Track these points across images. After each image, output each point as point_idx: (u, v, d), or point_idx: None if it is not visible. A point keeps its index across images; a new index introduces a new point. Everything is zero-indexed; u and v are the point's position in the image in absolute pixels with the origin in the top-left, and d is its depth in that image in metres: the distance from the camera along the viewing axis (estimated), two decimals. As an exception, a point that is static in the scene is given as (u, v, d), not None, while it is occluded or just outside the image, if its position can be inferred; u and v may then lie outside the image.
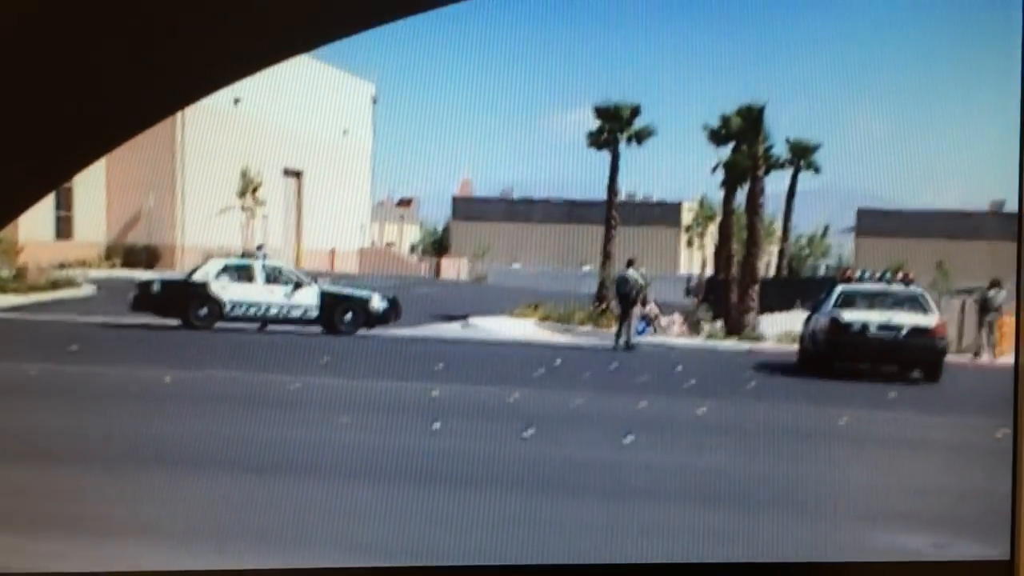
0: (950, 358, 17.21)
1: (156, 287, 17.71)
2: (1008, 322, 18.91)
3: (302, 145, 21.15)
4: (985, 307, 18.64)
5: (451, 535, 9.32)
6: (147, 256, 20.07)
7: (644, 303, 19.31)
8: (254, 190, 19.72)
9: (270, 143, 20.27)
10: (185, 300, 17.55)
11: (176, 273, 19.07)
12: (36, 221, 19.27)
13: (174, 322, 17.38)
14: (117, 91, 5.61)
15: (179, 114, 19.66)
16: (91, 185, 19.90)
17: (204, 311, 17.52)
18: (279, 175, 21.32)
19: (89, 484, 10.00)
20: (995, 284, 18.63)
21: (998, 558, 7.59)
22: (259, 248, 19.07)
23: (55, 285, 18.61)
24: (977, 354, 18.61)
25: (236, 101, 19.81)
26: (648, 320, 19.45)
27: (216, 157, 19.80)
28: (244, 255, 18.55)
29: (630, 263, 19.00)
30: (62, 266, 19.11)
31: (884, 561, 8.39)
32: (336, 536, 9.17)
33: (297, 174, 21.98)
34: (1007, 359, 18.66)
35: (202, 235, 19.82)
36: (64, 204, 19.90)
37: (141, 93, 5.65)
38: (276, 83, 19.02)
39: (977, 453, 12.64)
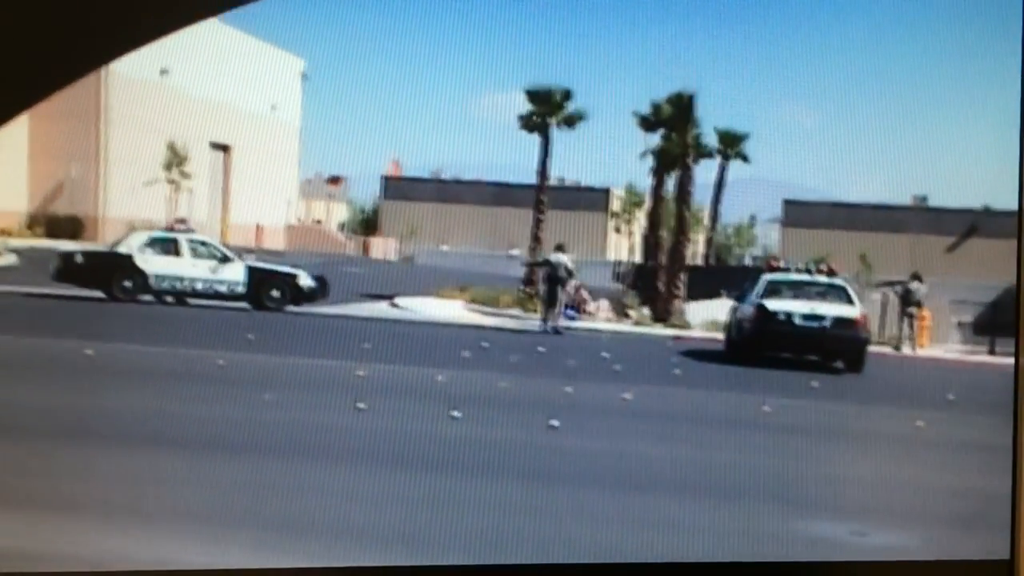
0: (872, 349, 17.45)
1: (79, 258, 17.43)
2: (928, 316, 19.25)
3: (230, 119, 20.88)
4: (907, 300, 18.94)
5: (373, 514, 9.26)
6: (70, 226, 19.71)
7: (576, 289, 19.37)
8: (180, 163, 19.43)
9: (198, 116, 19.97)
10: (109, 272, 17.28)
11: (99, 244, 18.77)
12: (-45, 188, 18.92)
13: (97, 294, 17.12)
14: (34, 46, 5.46)
15: (103, 84, 19.32)
16: (13, 153, 19.50)
17: (128, 283, 17.27)
18: (206, 149, 21.03)
19: (4, 456, 9.79)
20: (916, 277, 18.93)
21: (997, 557, 7.68)
22: (180, 222, 18.84)
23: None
24: (898, 347, 18.89)
25: (163, 72, 19.50)
26: (576, 306, 19.49)
27: (142, 128, 19.48)
28: (169, 229, 18.29)
29: (559, 247, 19.01)
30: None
31: (884, 561, 8.47)
32: (256, 514, 9.06)
33: (224, 148, 21.71)
34: (927, 351, 19.01)
35: (126, 207, 19.50)
36: (-16, 172, 19.52)
37: (58, 48, 5.50)
38: (204, 55, 18.75)
39: (897, 442, 12.84)
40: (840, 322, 17.05)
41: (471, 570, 7.54)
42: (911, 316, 18.98)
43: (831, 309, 17.16)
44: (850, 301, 17.42)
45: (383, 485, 9.94)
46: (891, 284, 19.23)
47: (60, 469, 9.70)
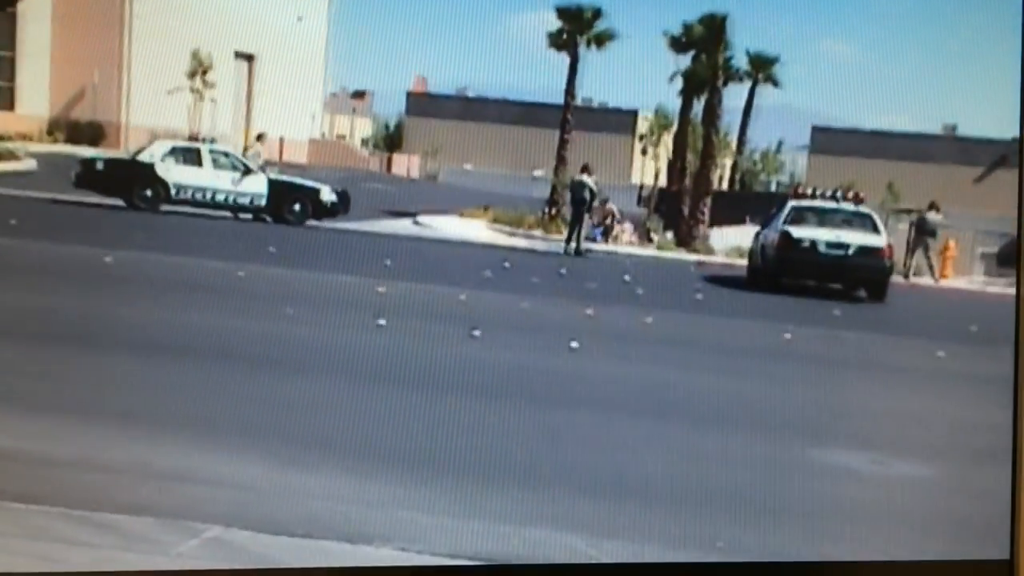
0: (894, 278, 17.37)
1: (100, 165, 17.40)
2: (953, 246, 19.10)
3: (255, 29, 20.67)
4: (921, 228, 18.80)
5: (390, 431, 9.24)
6: (91, 133, 19.64)
7: (603, 203, 19.30)
8: (204, 72, 19.28)
9: (222, 24, 19.78)
10: (130, 180, 17.25)
11: (121, 152, 18.73)
12: (-24, 91, 18.86)
13: (117, 202, 17.11)
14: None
15: (128, -11, 19.16)
16: (35, 56, 19.38)
17: (149, 193, 17.24)
18: (230, 58, 20.85)
19: (21, 360, 9.81)
20: (932, 206, 18.77)
21: (997, 557, 7.65)
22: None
23: (-6, 156, 18.29)
24: (907, 275, 18.74)
25: (189, -21, 19.32)
26: (605, 224, 19.43)
27: (166, 36, 19.30)
28: (191, 139, 18.23)
29: (584, 168, 18.87)
30: (2, 138, 18.69)
31: (884, 560, 8.43)
32: (274, 427, 9.06)
33: (249, 58, 21.52)
34: (951, 283, 18.90)
35: (149, 115, 19.39)
36: (6, 75, 19.39)
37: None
38: (230, -38, 18.57)
39: (919, 373, 12.79)
40: (864, 251, 16.92)
41: (474, 570, 7.49)
42: (926, 245, 18.86)
43: (856, 237, 17.02)
44: (876, 230, 17.26)
45: (401, 403, 9.93)
46: (908, 211, 19.09)
47: (78, 375, 9.72)
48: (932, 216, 18.76)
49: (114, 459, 8.00)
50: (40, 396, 9.07)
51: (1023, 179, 7.72)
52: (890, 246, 17.30)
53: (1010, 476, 7.60)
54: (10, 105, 19.54)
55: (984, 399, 11.15)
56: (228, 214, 17.62)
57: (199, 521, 7.14)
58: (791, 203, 17.74)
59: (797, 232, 17.06)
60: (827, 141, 21.52)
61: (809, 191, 18.01)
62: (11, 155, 18.47)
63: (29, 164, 18.65)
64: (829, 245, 16.94)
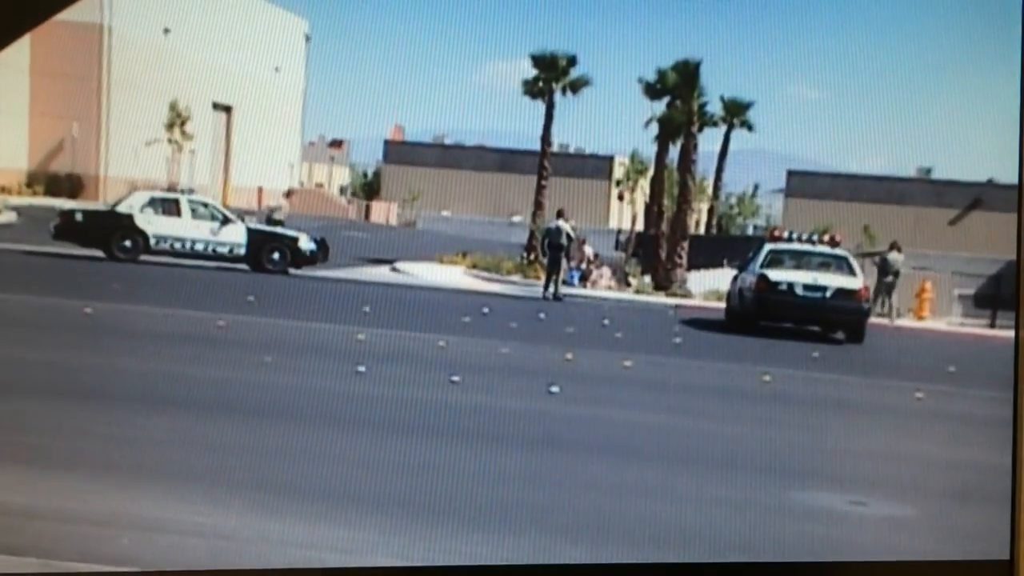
0: (873, 320, 17.45)
1: (79, 217, 17.40)
2: (929, 288, 19.21)
3: (233, 80, 20.79)
4: (884, 269, 18.88)
5: (371, 478, 9.23)
6: (70, 185, 19.68)
7: (580, 244, 19.36)
8: (182, 124, 19.37)
9: (200, 76, 19.89)
10: (109, 231, 17.25)
11: (100, 204, 18.74)
12: (-45, 145, 18.86)
13: (97, 253, 17.11)
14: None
15: (105, 43, 19.23)
16: (14, 111, 19.42)
17: (128, 243, 17.24)
18: (208, 109, 20.94)
19: (3, 412, 9.77)
20: (893, 246, 18.87)
21: (998, 557, 7.66)
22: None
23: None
24: (887, 316, 18.82)
25: (166, 31, 19.42)
26: (580, 265, 19.49)
27: (143, 88, 19.39)
28: (170, 189, 18.27)
29: (560, 214, 18.94)
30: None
31: (884, 561, 8.43)
32: (255, 475, 9.03)
33: (227, 109, 21.62)
34: (928, 323, 18.99)
35: (127, 167, 19.45)
36: (-15, 128, 19.47)
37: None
38: (207, 15, 18.66)
39: (897, 414, 12.82)
40: (841, 293, 17.00)
41: (470, 570, 7.49)
42: (889, 286, 18.95)
43: (833, 280, 17.10)
44: (852, 272, 17.35)
45: (382, 449, 9.91)
46: (871, 255, 19.19)
47: (58, 426, 9.68)
48: (893, 256, 18.85)
49: (94, 510, 7.97)
50: (19, 448, 9.03)
51: (1022, 219, 7.76)
52: (867, 288, 17.39)
53: (1010, 478, 7.61)
54: (-11, 158, 19.61)
55: (965, 439, 11.21)
56: (207, 263, 17.61)
57: (180, 569, 7.11)
58: (768, 246, 17.82)
59: (774, 275, 17.12)
60: (802, 184, 21.67)
61: (785, 234, 18.10)
62: (-9, 207, 18.53)
63: (9, 217, 18.66)
64: (806, 288, 17.01)
